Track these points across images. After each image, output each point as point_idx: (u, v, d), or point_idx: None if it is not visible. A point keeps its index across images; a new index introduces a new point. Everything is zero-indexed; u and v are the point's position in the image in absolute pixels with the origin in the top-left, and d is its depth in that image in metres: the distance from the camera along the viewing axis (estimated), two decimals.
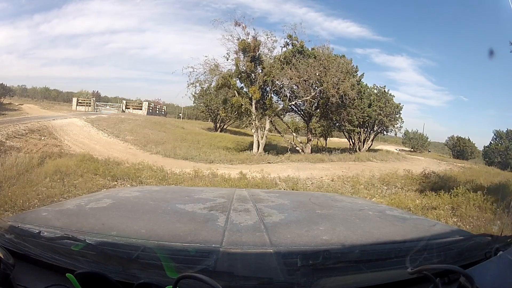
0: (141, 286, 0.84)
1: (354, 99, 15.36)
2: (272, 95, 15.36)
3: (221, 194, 1.90)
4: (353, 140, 19.05)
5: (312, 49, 15.41)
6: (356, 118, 16.68)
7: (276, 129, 17.47)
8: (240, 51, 14.47)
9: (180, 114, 28.28)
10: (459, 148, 23.20)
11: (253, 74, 14.65)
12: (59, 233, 1.02)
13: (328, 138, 21.22)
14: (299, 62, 14.51)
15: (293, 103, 15.66)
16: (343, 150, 16.47)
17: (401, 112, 18.10)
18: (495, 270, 0.96)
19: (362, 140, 18.42)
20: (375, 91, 17.80)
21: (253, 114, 14.51)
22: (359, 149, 17.82)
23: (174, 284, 0.80)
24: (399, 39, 28.68)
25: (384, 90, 17.88)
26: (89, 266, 0.92)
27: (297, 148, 15.57)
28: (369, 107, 17.01)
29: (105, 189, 6.16)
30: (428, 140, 24.23)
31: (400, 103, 18.08)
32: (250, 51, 14.33)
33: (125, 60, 34.05)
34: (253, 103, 14.48)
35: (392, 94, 18.00)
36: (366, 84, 17.40)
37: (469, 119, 28.79)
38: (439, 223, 2.05)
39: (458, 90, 32.00)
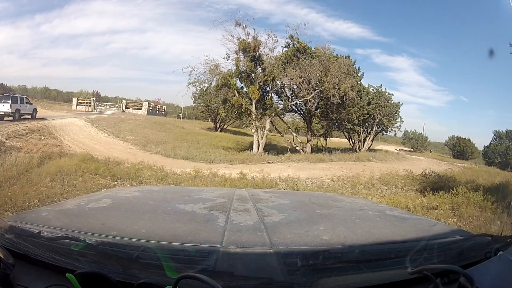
0: (141, 286, 0.84)
1: (354, 99, 15.38)
2: (272, 95, 15.38)
3: (221, 194, 1.90)
4: (353, 140, 19.07)
5: (315, 48, 15.40)
6: (356, 116, 16.67)
7: (276, 129, 17.46)
8: (240, 51, 14.47)
9: (180, 114, 28.23)
10: (459, 148, 23.24)
11: (253, 74, 14.64)
12: (59, 233, 1.02)
13: (328, 138, 21.22)
14: (301, 62, 14.50)
15: (294, 103, 15.66)
16: (343, 150, 16.45)
17: (399, 111, 18.11)
18: (495, 270, 0.96)
19: (362, 140, 18.41)
20: (373, 90, 17.80)
21: (253, 114, 14.50)
22: (359, 149, 17.82)
23: (174, 284, 0.80)
24: (400, 39, 28.60)
25: (382, 90, 17.87)
26: (89, 266, 0.92)
27: (297, 148, 15.57)
28: (368, 105, 17.01)
29: (105, 189, 6.16)
30: (428, 140, 24.28)
31: (399, 102, 18.11)
32: (250, 51, 14.32)
33: (125, 60, 34.07)
34: (253, 103, 14.46)
35: (390, 93, 18.02)
36: (367, 85, 17.46)
37: (469, 119, 28.67)
38: (439, 223, 2.06)
39: (458, 90, 31.98)
